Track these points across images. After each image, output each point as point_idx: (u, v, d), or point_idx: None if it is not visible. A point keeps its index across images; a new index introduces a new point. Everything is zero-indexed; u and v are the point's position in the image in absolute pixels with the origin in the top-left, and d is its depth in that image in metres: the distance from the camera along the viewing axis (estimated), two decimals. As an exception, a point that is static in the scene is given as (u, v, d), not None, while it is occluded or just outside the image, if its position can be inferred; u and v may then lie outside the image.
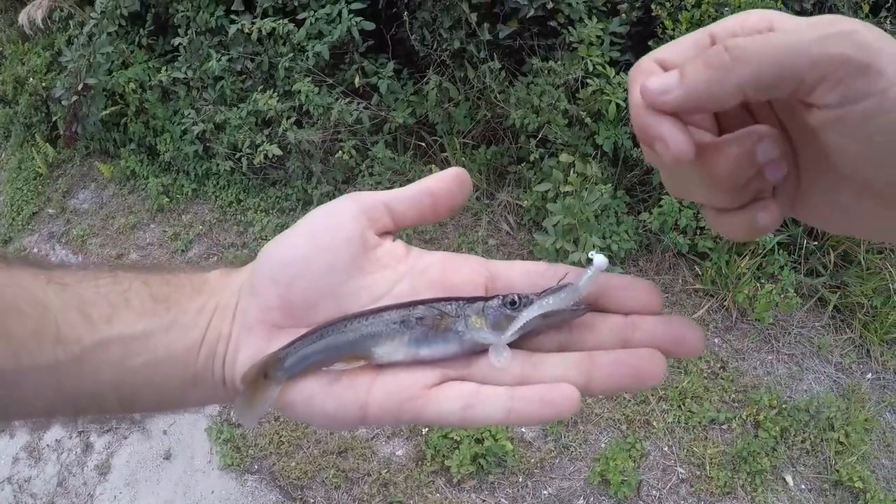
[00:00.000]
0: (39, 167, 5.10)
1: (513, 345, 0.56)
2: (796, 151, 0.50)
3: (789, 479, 3.12)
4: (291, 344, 0.57)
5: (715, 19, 3.34)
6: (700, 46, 0.47)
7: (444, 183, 0.62)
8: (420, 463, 3.16)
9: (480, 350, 0.56)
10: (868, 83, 0.39)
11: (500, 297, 0.56)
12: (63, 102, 4.37)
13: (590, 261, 0.55)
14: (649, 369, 0.51)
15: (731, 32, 0.46)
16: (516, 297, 0.56)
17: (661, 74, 0.46)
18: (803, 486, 3.10)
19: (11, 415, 0.60)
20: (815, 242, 3.67)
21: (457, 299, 0.58)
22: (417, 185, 0.62)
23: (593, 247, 3.42)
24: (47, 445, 3.44)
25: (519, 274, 0.60)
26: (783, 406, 3.27)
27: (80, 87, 4.16)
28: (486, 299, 0.57)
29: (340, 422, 0.57)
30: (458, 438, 3.14)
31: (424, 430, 3.25)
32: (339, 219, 0.60)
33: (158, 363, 0.58)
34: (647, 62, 0.48)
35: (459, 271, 0.61)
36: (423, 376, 0.56)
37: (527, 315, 0.54)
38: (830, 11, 3.59)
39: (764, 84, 0.41)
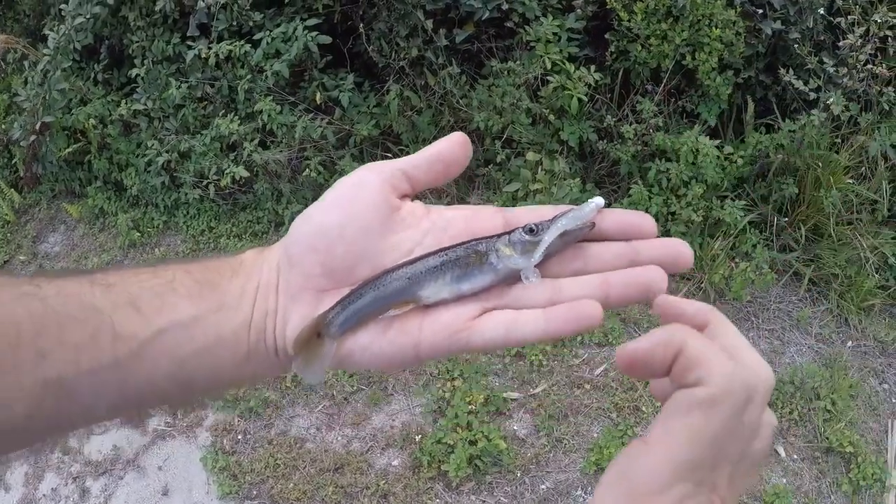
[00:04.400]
0: (6, 214, 5.01)
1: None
2: None
3: (781, 450, 3.17)
4: (341, 302, 0.63)
5: (669, 9, 3.41)
6: None
7: (453, 149, 0.68)
8: (417, 470, 3.17)
9: (514, 279, 0.64)
10: None
11: (521, 228, 0.64)
12: (21, 143, 4.32)
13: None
14: (655, 282, 0.63)
15: None
16: (533, 225, 0.64)
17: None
18: (795, 456, 3.15)
19: (74, 423, 0.63)
20: (786, 219, 3.73)
21: (485, 238, 0.65)
22: (429, 150, 0.68)
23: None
24: (43, 496, 3.39)
25: (531, 218, 0.66)
26: (768, 380, 3.31)
27: (37, 127, 4.11)
28: (508, 233, 0.65)
29: (398, 363, 0.64)
30: (452, 443, 3.15)
31: (418, 437, 3.26)
32: (365, 186, 0.66)
33: (210, 347, 0.62)
34: None
35: (479, 221, 0.68)
36: (465, 311, 0.63)
37: (548, 237, 0.62)
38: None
39: None
